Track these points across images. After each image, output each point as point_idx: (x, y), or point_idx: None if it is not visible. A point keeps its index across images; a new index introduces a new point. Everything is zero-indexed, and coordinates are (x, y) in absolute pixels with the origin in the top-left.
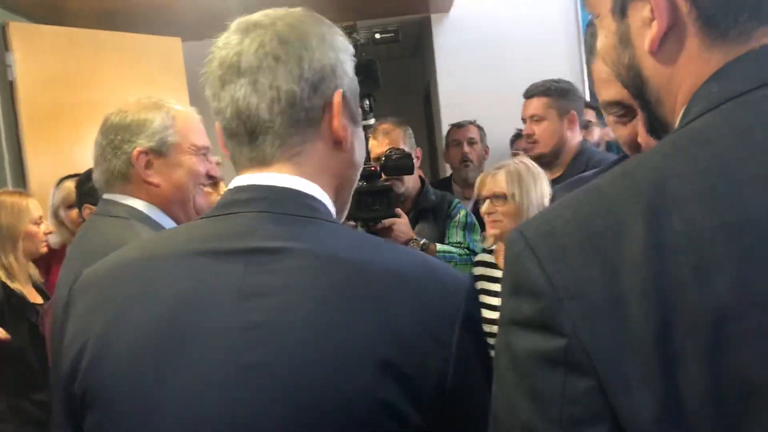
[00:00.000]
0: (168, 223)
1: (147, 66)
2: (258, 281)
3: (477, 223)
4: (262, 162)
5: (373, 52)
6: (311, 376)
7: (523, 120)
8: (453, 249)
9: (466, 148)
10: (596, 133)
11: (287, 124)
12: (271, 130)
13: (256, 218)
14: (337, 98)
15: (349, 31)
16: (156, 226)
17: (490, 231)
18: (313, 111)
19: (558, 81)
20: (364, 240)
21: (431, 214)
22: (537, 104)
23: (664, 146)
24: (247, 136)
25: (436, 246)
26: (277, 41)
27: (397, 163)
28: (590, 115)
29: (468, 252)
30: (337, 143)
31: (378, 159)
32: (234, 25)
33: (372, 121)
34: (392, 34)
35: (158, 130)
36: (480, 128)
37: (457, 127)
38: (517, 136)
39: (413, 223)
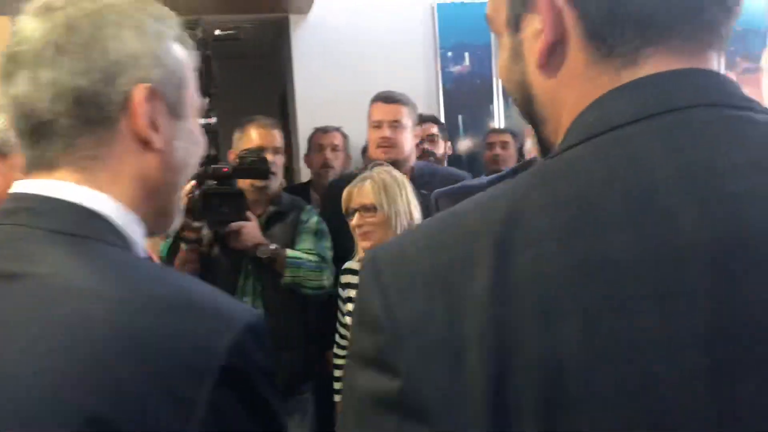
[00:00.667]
0: None
1: None
2: None
3: (328, 230)
4: (45, 167)
5: (232, 51)
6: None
7: (376, 123)
8: (303, 255)
9: (329, 154)
10: (441, 147)
11: (75, 124)
12: (55, 131)
13: (8, 233)
14: (137, 94)
15: (191, 27)
16: None
17: (363, 244)
18: (108, 109)
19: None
20: (125, 268)
21: (283, 218)
22: (401, 111)
23: (528, 175)
24: (30, 137)
25: (286, 251)
26: (64, 28)
27: (250, 167)
28: (435, 129)
29: (319, 259)
30: (144, 144)
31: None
32: (29, 7)
33: (213, 120)
34: (233, 32)
35: None
36: (345, 136)
37: (322, 132)
38: None
39: (266, 226)
